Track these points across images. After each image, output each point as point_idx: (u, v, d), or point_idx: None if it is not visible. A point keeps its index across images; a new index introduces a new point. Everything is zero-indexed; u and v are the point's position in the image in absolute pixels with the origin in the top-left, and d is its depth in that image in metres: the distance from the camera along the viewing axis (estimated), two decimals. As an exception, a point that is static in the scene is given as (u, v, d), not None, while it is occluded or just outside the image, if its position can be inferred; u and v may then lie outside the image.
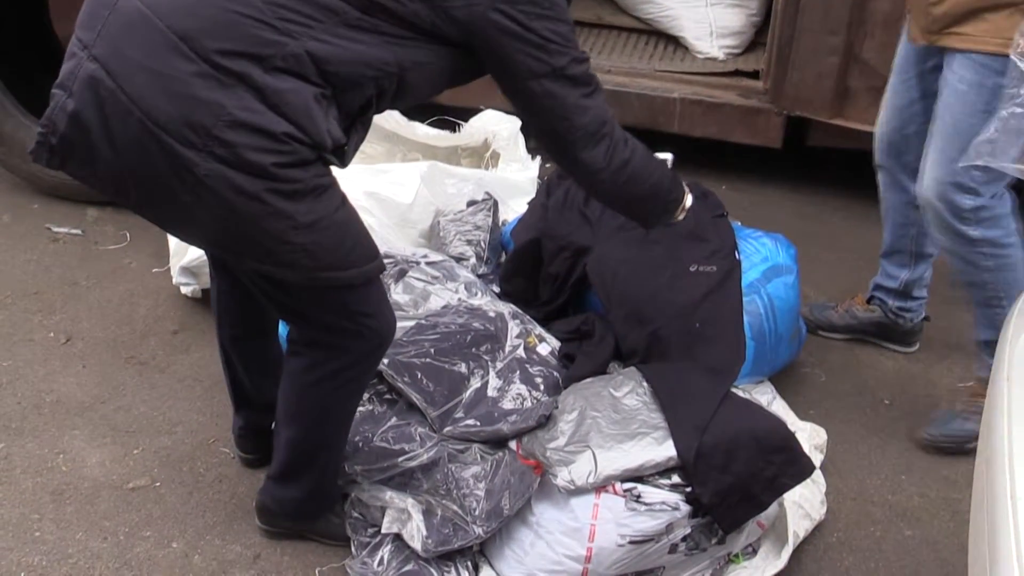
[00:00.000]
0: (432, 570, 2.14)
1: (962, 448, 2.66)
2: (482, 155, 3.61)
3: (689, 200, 2.26)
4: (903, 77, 2.73)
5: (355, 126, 1.88)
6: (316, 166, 1.83)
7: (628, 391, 2.26)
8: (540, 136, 2.05)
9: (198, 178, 1.72)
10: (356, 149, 1.95)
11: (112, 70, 1.70)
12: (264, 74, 1.69)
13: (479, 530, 2.11)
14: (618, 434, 2.13)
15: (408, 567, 2.16)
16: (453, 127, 3.72)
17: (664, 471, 2.10)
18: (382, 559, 2.19)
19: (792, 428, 2.57)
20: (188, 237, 1.91)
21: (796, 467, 2.17)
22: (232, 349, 2.34)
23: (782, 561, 2.25)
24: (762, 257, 2.74)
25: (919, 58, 2.64)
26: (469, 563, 2.17)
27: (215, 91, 1.68)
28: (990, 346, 2.56)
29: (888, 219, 2.95)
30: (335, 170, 1.89)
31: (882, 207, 2.95)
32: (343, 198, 1.92)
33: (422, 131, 3.67)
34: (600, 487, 2.07)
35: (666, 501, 2.07)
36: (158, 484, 2.50)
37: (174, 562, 2.29)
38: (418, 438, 2.24)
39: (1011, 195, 2.55)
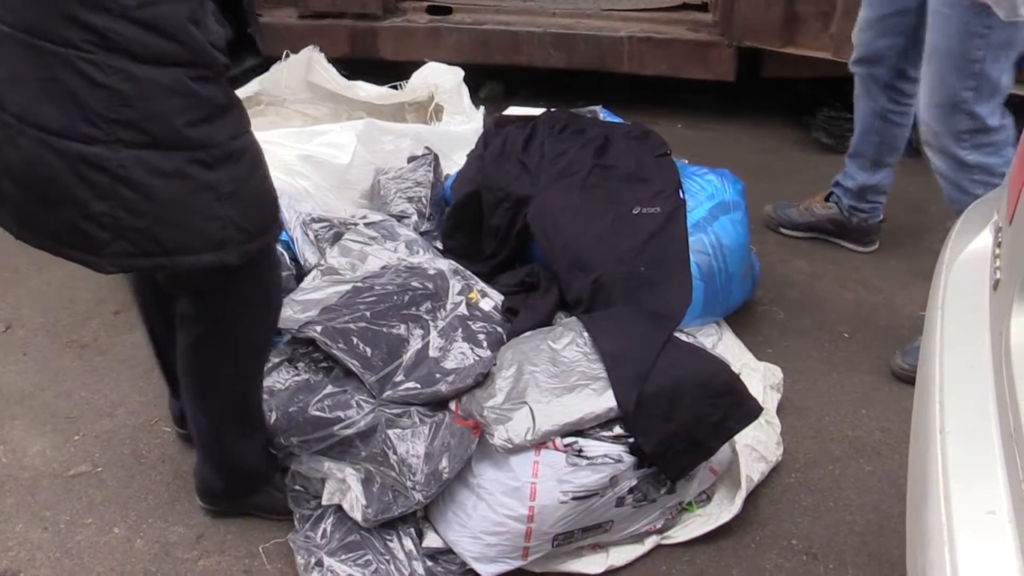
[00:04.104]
0: (374, 540, 2.08)
1: None
2: (428, 109, 3.51)
3: None
4: None
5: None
6: (230, 119, 1.72)
7: (568, 343, 2.18)
8: None
9: (113, 175, 1.61)
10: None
11: None
12: (129, 24, 1.56)
13: (419, 496, 2.04)
14: (557, 388, 2.06)
15: (351, 537, 2.10)
16: (397, 84, 3.63)
17: (605, 423, 2.04)
18: (324, 531, 2.13)
19: (746, 369, 2.52)
20: (109, 260, 1.69)
21: (742, 410, 2.10)
22: (160, 335, 2.25)
23: (736, 507, 2.19)
24: (708, 195, 2.66)
25: None
26: (412, 529, 2.11)
27: (90, 73, 1.56)
28: None
29: (857, 122, 2.99)
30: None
31: (855, 109, 3.00)
32: (256, 161, 1.82)
33: (365, 91, 3.58)
34: (540, 444, 2.00)
35: (608, 454, 2.00)
36: (99, 469, 2.44)
37: (116, 547, 2.22)
38: (355, 405, 2.16)
39: (1014, 126, 2.50)
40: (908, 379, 2.59)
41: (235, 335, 1.97)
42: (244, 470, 2.19)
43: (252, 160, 1.79)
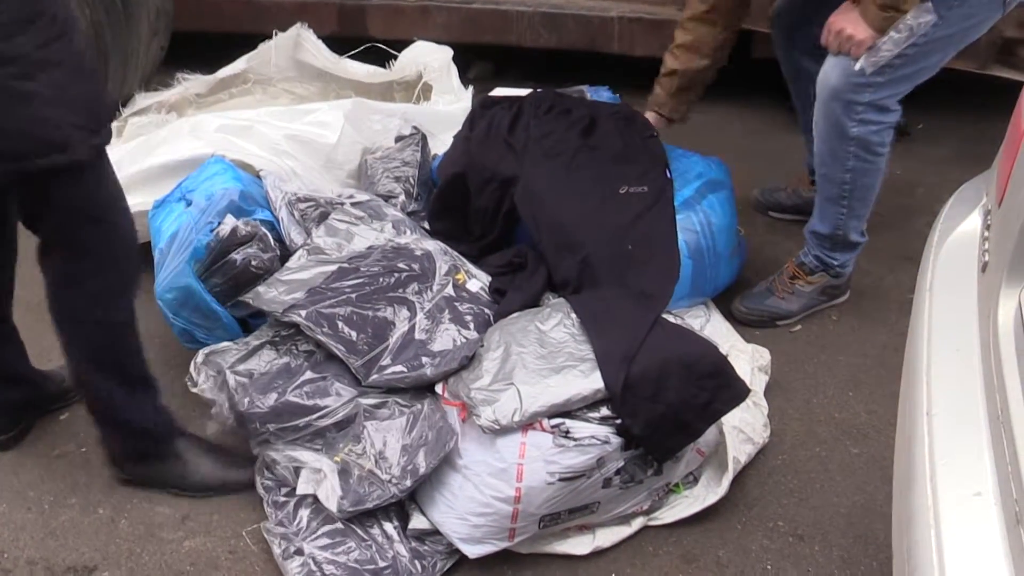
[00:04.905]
0: (355, 526, 2.06)
1: (773, 324, 2.77)
2: (416, 89, 3.49)
3: None
4: None
5: None
6: (37, 30, 1.77)
7: (555, 324, 2.17)
8: None
9: None
10: None
11: None
12: None
13: (394, 489, 2.02)
14: (544, 369, 2.05)
15: (331, 525, 2.07)
16: (384, 63, 3.60)
17: (592, 404, 2.03)
18: (301, 519, 2.09)
19: (734, 351, 2.52)
20: None
21: (730, 392, 2.09)
22: None
23: (723, 489, 2.18)
24: (696, 173, 2.65)
25: None
26: (394, 514, 2.10)
27: None
28: (818, 238, 2.70)
29: (795, 99, 3.01)
30: None
31: (789, 85, 3.03)
32: (79, 63, 1.88)
33: (354, 69, 3.55)
34: (527, 425, 1.99)
35: (595, 435, 2.00)
36: (84, 449, 2.43)
37: (100, 528, 2.22)
38: (334, 393, 2.15)
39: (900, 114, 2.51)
40: (746, 321, 2.79)
41: (87, 267, 2.03)
42: (133, 428, 2.23)
43: (75, 63, 1.86)
